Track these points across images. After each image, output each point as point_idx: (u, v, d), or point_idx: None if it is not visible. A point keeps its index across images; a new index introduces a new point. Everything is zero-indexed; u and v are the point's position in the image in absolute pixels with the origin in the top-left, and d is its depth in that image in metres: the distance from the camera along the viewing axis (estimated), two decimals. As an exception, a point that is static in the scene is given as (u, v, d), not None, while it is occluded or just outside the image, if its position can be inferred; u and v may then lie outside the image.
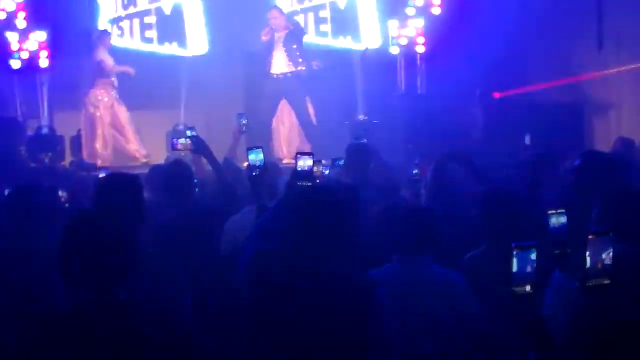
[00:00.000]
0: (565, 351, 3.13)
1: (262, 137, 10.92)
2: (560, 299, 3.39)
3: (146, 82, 11.72)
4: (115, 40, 12.25)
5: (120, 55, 11.97)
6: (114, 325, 2.77)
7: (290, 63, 11.39)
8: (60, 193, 6.06)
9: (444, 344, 4.12)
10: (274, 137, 11.86)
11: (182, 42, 12.90)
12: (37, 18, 11.85)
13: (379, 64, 12.80)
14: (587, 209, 3.93)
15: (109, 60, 11.56)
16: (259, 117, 11.27)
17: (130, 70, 11.68)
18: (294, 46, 11.43)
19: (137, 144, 11.66)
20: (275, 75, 11.46)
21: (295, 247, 3.46)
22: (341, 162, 7.07)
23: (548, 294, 3.46)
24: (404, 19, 12.67)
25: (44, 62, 11.91)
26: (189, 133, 6.25)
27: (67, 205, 5.98)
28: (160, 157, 11.59)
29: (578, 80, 12.42)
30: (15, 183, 5.00)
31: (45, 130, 11.83)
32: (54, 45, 11.87)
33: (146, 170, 7.28)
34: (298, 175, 4.31)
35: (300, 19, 12.78)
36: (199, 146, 6.11)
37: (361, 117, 12.67)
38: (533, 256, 2.83)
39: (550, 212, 3.56)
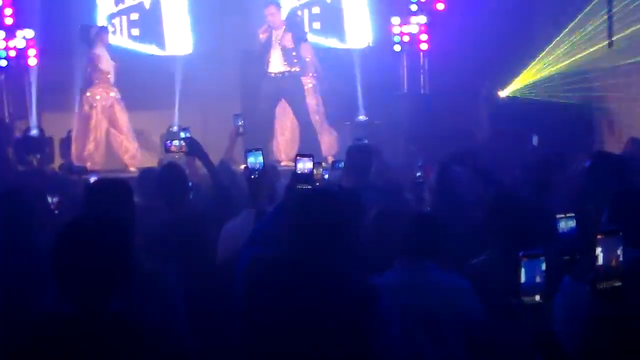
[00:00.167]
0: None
1: (260, 138, 10.93)
2: (570, 308, 3.38)
3: (139, 82, 11.71)
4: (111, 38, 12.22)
5: (115, 53, 11.96)
6: (104, 336, 2.77)
7: (286, 62, 11.38)
8: (50, 199, 6.06)
9: (449, 353, 4.12)
10: (274, 138, 11.86)
11: (160, 42, 12.92)
12: (25, 15, 11.87)
13: (381, 63, 12.80)
14: (597, 212, 3.94)
15: (106, 58, 11.51)
16: (257, 118, 11.26)
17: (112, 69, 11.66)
18: (292, 45, 11.40)
19: (133, 151, 11.59)
20: (272, 75, 11.43)
21: (295, 253, 3.46)
22: (341, 165, 7.07)
23: (557, 301, 3.45)
24: (406, 15, 12.68)
25: (32, 60, 11.94)
26: (183, 135, 6.25)
27: (57, 211, 5.97)
28: (153, 159, 11.60)
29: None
30: (2, 186, 5.01)
31: (33, 132, 11.85)
32: (43, 44, 11.89)
33: (137, 173, 7.28)
34: (298, 178, 4.31)
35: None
36: (193, 148, 6.11)
37: (362, 117, 12.68)
38: (542, 265, 2.82)
39: (559, 216, 3.56)
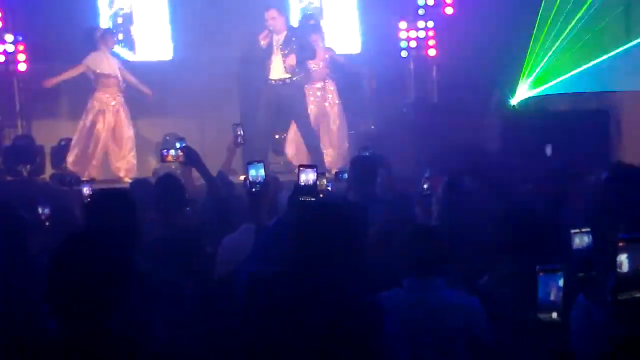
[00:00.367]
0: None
1: (260, 149, 10.93)
2: (585, 329, 3.37)
3: (134, 88, 11.73)
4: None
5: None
6: (100, 358, 2.77)
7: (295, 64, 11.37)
8: (40, 210, 6.06)
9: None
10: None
11: (131, 47, 12.96)
12: (14, 19, 11.90)
13: (387, 69, 12.81)
14: (615, 227, 3.93)
15: (109, 61, 11.50)
16: (258, 127, 11.26)
17: (135, 82, 11.70)
18: (293, 62, 11.34)
19: (131, 161, 11.58)
20: (273, 82, 11.40)
21: (297, 269, 3.46)
22: (345, 176, 7.08)
23: (571, 322, 3.45)
24: (413, 20, 12.69)
25: (21, 66, 11.96)
26: (178, 145, 6.25)
27: (47, 223, 5.97)
28: (148, 169, 11.61)
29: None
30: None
31: (23, 140, 11.85)
32: (33, 48, 11.91)
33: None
34: (300, 190, 4.32)
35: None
36: (190, 158, 6.11)
37: (368, 126, 12.69)
38: (560, 281, 2.80)
39: (574, 231, 3.55)
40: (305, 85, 11.77)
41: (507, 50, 11.92)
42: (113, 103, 11.45)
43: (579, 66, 12.04)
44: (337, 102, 12.10)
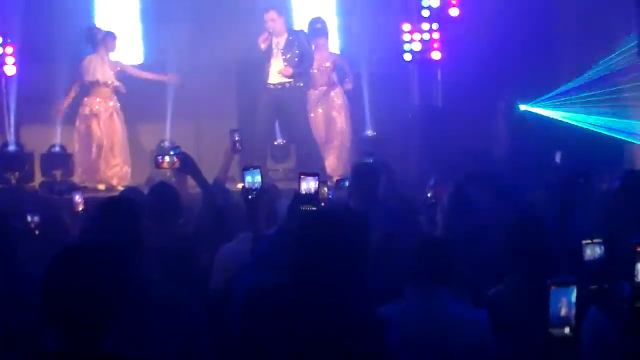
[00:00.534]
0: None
1: (258, 155, 10.93)
2: (598, 342, 3.37)
3: (127, 93, 11.72)
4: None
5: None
6: None
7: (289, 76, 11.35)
8: (29, 218, 6.07)
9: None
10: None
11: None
12: (2, 21, 11.89)
13: (390, 73, 12.80)
14: (627, 237, 3.92)
15: (106, 65, 11.48)
16: (255, 133, 11.26)
17: (153, 76, 11.76)
18: (295, 58, 11.34)
19: (126, 168, 11.56)
20: (272, 86, 11.39)
21: (297, 280, 3.46)
22: (346, 184, 7.08)
23: (583, 335, 3.44)
24: (417, 22, 12.69)
25: (10, 69, 11.95)
26: (172, 153, 6.25)
27: (37, 232, 5.98)
28: (141, 176, 11.59)
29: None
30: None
31: (11, 147, 11.86)
32: (22, 51, 11.91)
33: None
34: (301, 198, 4.32)
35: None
36: (186, 164, 6.11)
37: (369, 132, 12.69)
38: (573, 295, 2.80)
39: (585, 241, 3.55)
40: (310, 89, 11.75)
41: (515, 52, 11.92)
42: (103, 108, 11.41)
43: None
44: (343, 107, 12.08)
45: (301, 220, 3.71)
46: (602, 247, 3.52)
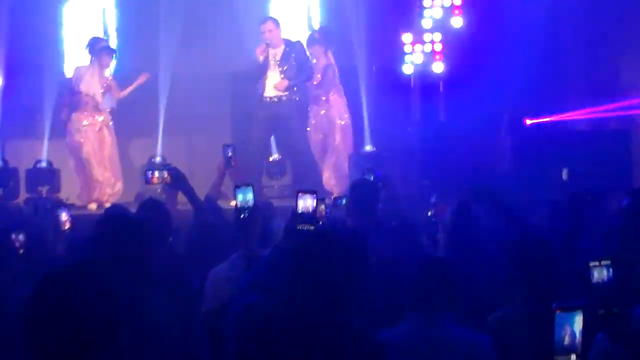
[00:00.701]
0: None
1: (253, 171, 10.92)
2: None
3: (117, 106, 11.71)
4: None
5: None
6: None
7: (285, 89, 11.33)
8: (14, 236, 6.04)
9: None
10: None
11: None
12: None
13: (390, 86, 12.79)
14: (637, 259, 3.92)
15: (94, 79, 11.43)
16: (250, 148, 11.25)
17: (128, 91, 11.71)
18: (292, 70, 11.32)
19: (117, 186, 11.52)
20: (268, 99, 11.38)
21: (294, 302, 3.45)
22: (343, 202, 7.07)
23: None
24: (419, 32, 12.69)
25: (-7, 82, 11.96)
26: (162, 169, 6.24)
27: (22, 251, 5.95)
28: (130, 193, 11.58)
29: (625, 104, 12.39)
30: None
31: (-4, 163, 11.85)
32: (6, 64, 11.91)
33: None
34: (298, 217, 4.31)
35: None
36: (178, 180, 6.10)
37: (368, 147, 12.67)
38: (579, 319, 2.78)
39: (593, 263, 3.54)
40: (310, 103, 11.70)
41: (520, 64, 11.92)
42: (90, 123, 11.36)
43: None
44: (342, 119, 11.97)
45: (298, 241, 3.70)
46: (611, 269, 3.51)
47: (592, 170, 10.49)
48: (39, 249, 6.05)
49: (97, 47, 11.47)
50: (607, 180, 9.45)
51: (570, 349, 2.80)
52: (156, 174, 6.21)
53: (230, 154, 7.48)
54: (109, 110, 11.50)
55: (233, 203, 5.30)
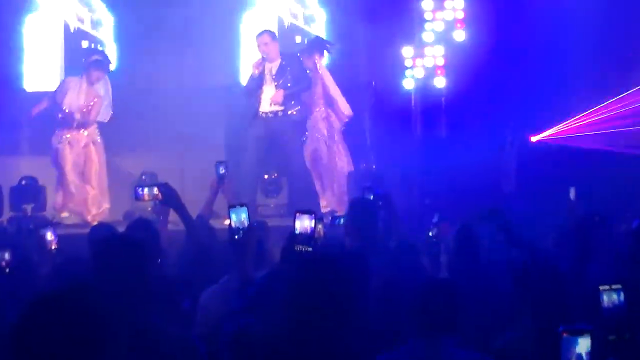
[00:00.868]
0: None
1: (247, 189, 10.90)
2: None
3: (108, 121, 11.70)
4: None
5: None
6: None
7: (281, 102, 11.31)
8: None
9: None
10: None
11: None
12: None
13: (390, 101, 12.79)
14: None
15: (80, 93, 11.36)
16: (245, 165, 11.24)
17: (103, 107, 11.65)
18: (288, 83, 11.32)
19: (104, 204, 11.46)
20: (264, 115, 11.37)
21: (291, 326, 3.44)
22: (341, 221, 7.06)
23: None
24: (420, 46, 12.70)
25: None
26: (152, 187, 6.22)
27: (7, 270, 5.94)
28: (118, 211, 11.55)
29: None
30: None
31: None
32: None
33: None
34: (296, 238, 4.31)
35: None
36: (169, 198, 6.08)
37: (369, 165, 12.67)
38: (588, 344, 2.77)
39: (603, 287, 3.53)
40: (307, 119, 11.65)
41: (524, 80, 11.94)
42: (72, 138, 11.31)
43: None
44: (340, 137, 11.84)
45: (296, 263, 3.69)
46: (622, 293, 3.50)
47: (601, 190, 10.47)
48: (23, 269, 6.03)
49: (87, 61, 11.42)
50: (617, 201, 9.43)
51: None
52: (147, 190, 6.19)
53: (223, 171, 7.47)
54: (95, 125, 11.46)
55: (226, 222, 5.28)
